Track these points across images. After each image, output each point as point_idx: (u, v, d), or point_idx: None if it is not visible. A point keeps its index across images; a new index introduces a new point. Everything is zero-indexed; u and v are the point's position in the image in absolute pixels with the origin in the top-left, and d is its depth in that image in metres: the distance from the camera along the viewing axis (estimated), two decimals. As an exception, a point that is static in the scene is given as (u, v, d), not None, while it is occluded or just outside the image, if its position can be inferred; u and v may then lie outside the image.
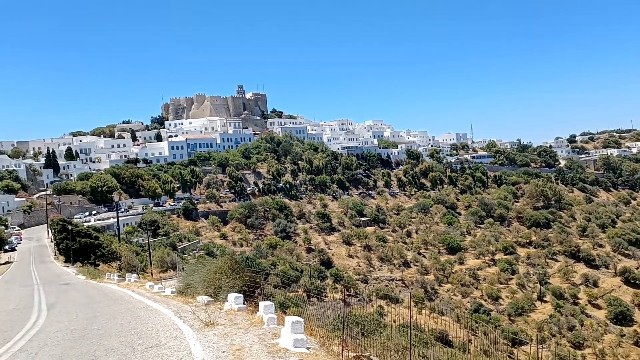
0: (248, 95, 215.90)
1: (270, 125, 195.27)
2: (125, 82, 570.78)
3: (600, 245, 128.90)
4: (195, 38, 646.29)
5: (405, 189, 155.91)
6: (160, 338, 12.22)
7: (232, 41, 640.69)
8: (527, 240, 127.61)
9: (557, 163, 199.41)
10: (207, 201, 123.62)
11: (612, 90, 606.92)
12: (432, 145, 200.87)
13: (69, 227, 49.56)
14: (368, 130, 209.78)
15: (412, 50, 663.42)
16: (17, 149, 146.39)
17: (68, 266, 46.58)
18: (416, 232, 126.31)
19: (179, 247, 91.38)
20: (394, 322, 64.55)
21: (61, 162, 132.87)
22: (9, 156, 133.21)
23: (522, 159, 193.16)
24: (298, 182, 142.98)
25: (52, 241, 69.66)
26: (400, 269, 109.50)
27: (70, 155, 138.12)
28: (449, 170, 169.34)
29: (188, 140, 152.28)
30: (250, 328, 12.55)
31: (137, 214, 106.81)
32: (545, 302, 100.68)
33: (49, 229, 78.31)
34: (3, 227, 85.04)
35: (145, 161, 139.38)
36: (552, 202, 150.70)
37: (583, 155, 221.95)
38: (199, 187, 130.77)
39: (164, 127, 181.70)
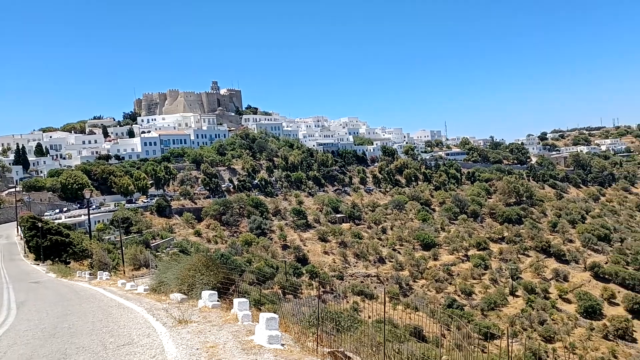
0: (222, 91, 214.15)
1: (245, 122, 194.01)
2: (97, 77, 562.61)
3: (570, 241, 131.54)
4: (169, 33, 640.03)
5: (381, 185, 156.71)
6: (132, 336, 12.08)
7: (206, 37, 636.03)
8: (500, 236, 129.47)
9: (528, 160, 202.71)
10: (181, 198, 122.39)
11: (582, 89, 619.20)
12: (407, 142, 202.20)
13: (39, 224, 48.59)
14: (343, 127, 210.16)
15: (388, 49, 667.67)
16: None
17: (38, 264, 45.70)
18: (391, 229, 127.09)
19: (152, 245, 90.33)
20: (369, 318, 64.83)
21: (31, 158, 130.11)
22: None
23: (494, 156, 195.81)
24: (273, 178, 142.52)
25: (21, 239, 68.20)
26: (375, 265, 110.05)
27: (40, 151, 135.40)
28: (424, 167, 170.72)
29: (161, 137, 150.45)
30: (224, 325, 12.48)
31: (109, 211, 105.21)
32: (517, 296, 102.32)
33: (19, 227, 76.66)
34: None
35: (118, 157, 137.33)
36: (524, 199, 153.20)
37: (554, 153, 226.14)
38: (173, 184, 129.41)
39: (136, 123, 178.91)
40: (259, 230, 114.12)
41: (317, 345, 10.44)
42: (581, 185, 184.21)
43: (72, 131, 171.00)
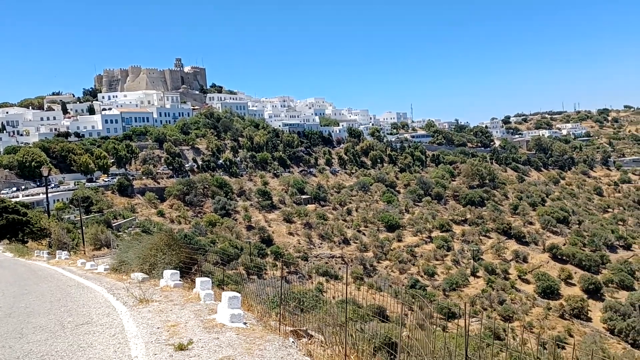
0: (186, 69, 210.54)
1: (209, 101, 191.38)
2: (56, 52, 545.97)
3: (531, 223, 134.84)
4: (131, 7, 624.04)
5: (346, 167, 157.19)
6: (91, 315, 11.86)
7: (169, 12, 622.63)
8: (463, 218, 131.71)
9: (492, 143, 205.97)
10: (144, 177, 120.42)
11: (545, 74, 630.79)
12: (373, 124, 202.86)
13: (-5, 202, 47.05)
14: (310, 108, 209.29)
15: (355, 31, 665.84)
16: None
17: (-6, 244, 44.40)
18: (356, 210, 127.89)
19: (113, 225, 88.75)
20: (333, 298, 65.42)
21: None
22: None
23: (459, 139, 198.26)
24: (238, 159, 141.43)
25: (-24, 218, 66.14)
26: (340, 246, 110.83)
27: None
28: (389, 149, 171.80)
29: (123, 114, 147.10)
30: (186, 304, 12.35)
31: (69, 190, 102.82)
32: (478, 277, 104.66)
33: (-26, 205, 74.34)
34: None
35: (77, 135, 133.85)
36: (487, 181, 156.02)
37: (516, 136, 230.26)
38: (135, 163, 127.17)
39: (97, 100, 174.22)
40: (224, 211, 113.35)
41: (280, 324, 10.41)
42: (542, 169, 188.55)
43: (30, 107, 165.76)
